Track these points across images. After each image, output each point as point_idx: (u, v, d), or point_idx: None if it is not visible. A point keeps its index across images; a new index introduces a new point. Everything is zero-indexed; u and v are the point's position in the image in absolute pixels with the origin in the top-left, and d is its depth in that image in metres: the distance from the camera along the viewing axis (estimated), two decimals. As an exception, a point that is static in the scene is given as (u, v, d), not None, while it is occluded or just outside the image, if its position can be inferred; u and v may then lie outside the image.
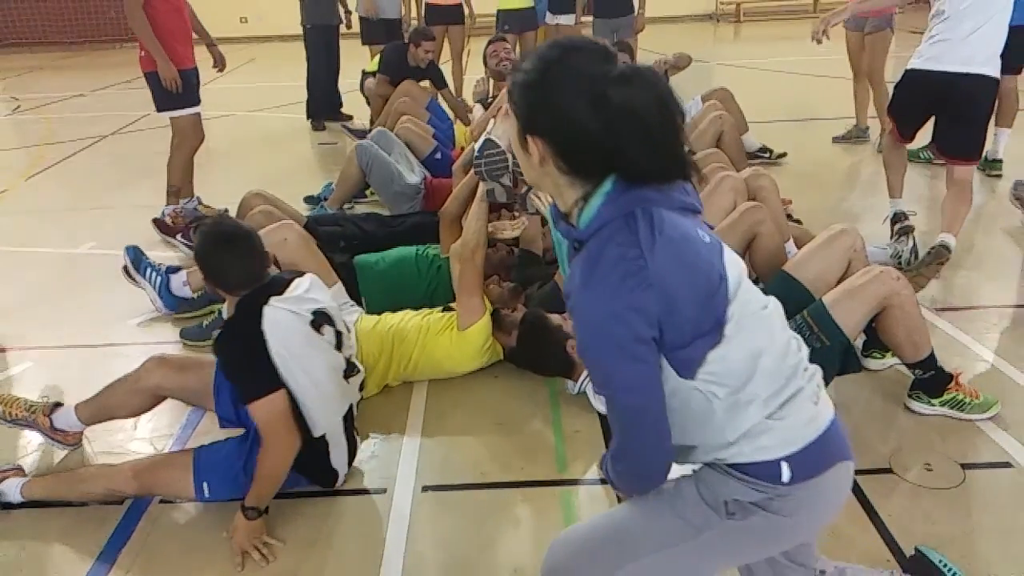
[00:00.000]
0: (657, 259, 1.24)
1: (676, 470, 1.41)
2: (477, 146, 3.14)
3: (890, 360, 2.91)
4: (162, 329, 3.60)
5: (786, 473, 1.34)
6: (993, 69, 3.52)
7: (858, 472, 2.34)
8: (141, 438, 2.79)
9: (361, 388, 2.64)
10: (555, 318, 2.89)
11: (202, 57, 4.86)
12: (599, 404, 2.67)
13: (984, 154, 4.52)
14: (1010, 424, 2.63)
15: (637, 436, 1.33)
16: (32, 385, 3.20)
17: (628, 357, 1.26)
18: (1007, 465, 2.46)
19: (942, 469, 2.44)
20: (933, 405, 2.68)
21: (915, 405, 2.71)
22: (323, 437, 2.34)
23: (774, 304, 1.43)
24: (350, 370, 2.47)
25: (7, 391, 2.96)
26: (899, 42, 6.00)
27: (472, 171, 3.24)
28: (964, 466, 2.44)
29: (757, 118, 5.80)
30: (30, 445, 2.77)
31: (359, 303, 3.32)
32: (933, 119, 3.77)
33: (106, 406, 2.59)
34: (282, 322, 2.23)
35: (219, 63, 5.19)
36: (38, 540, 2.34)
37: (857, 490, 2.33)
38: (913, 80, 3.71)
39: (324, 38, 7.33)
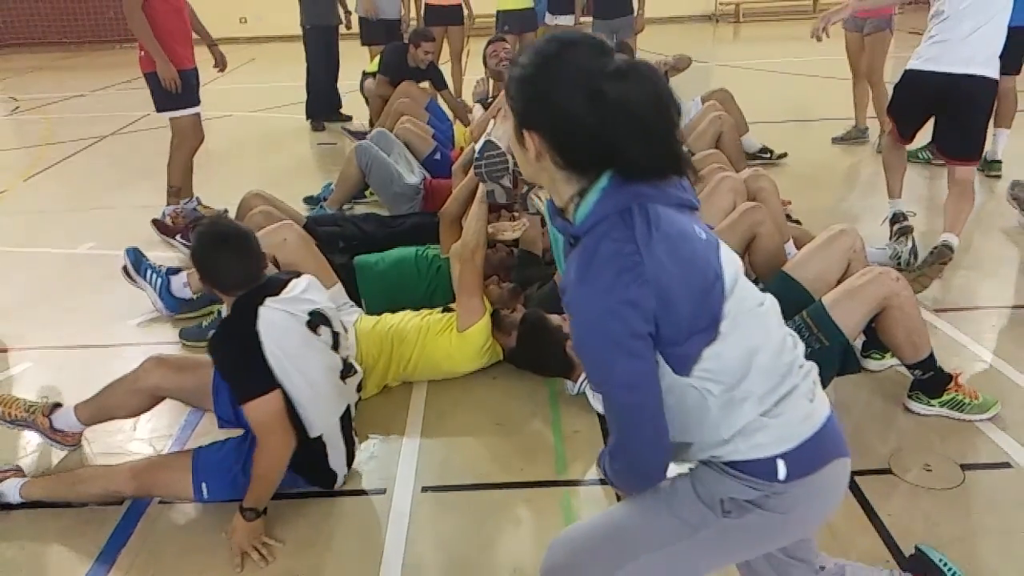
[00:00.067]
0: (653, 255, 1.24)
1: (673, 468, 1.42)
2: (477, 147, 3.14)
3: (889, 361, 2.91)
4: (161, 330, 3.60)
5: (782, 470, 1.34)
6: (992, 70, 3.53)
7: (858, 473, 2.37)
8: (140, 439, 2.79)
9: (359, 389, 2.64)
10: (555, 318, 2.89)
11: (203, 57, 4.86)
12: (598, 404, 2.67)
13: (983, 155, 4.52)
14: (1009, 425, 2.63)
15: (635, 433, 1.33)
16: (31, 385, 3.19)
17: (624, 353, 1.26)
18: (1006, 466, 2.46)
19: (942, 470, 2.44)
20: (932, 406, 2.68)
21: (914, 406, 2.71)
22: (320, 438, 2.34)
23: (770, 301, 1.42)
24: (347, 371, 2.46)
25: (6, 391, 2.96)
26: (898, 43, 6.00)
27: (472, 172, 3.24)
28: (964, 467, 2.44)
29: (756, 119, 5.81)
30: (29, 446, 2.77)
31: (359, 304, 3.32)
32: (933, 119, 3.77)
33: (105, 406, 2.60)
34: (277, 323, 2.23)
35: (220, 63, 5.19)
36: (37, 541, 2.34)
37: (857, 491, 2.33)
38: (912, 81, 3.71)
39: (324, 38, 7.34)
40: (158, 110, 4.66)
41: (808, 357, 1.45)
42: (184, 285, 3.62)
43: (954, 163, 3.72)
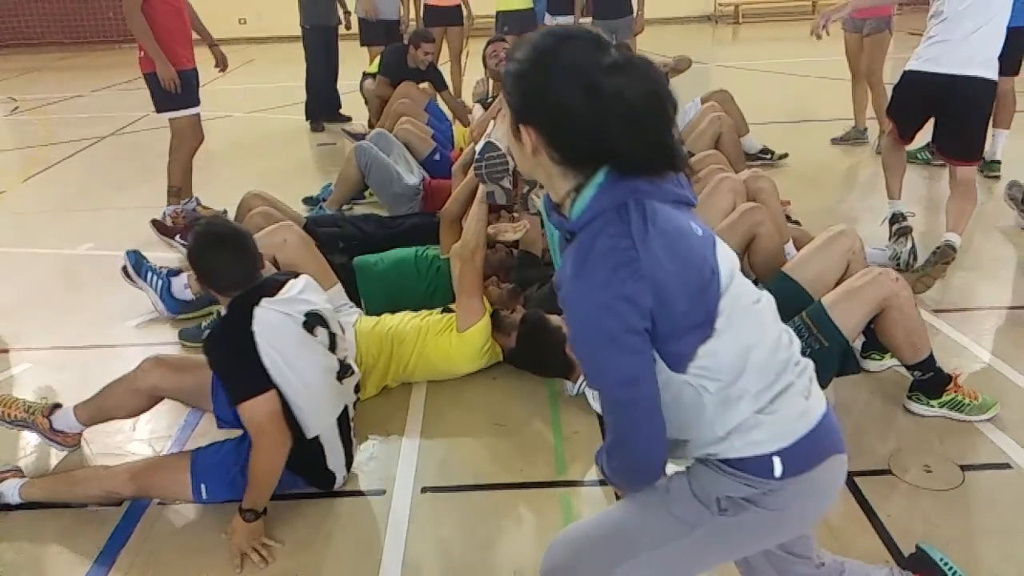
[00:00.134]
0: (649, 251, 1.24)
1: (670, 467, 1.42)
2: (478, 148, 3.15)
3: (889, 361, 2.91)
4: (161, 330, 3.60)
5: (778, 468, 1.34)
6: (991, 71, 3.53)
7: (857, 473, 2.38)
8: (140, 439, 2.79)
9: (357, 389, 2.64)
10: (554, 319, 2.89)
11: (204, 57, 4.86)
12: (598, 405, 2.66)
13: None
14: (1009, 425, 2.63)
15: (631, 429, 1.32)
16: (31, 386, 3.19)
17: (620, 348, 1.25)
18: (1006, 466, 2.46)
19: (941, 470, 2.44)
20: (932, 406, 2.68)
21: (914, 406, 2.71)
22: (317, 439, 2.33)
23: (766, 298, 1.42)
24: (344, 371, 2.46)
25: (6, 392, 2.95)
26: (897, 43, 6.00)
27: (472, 172, 3.24)
28: (963, 467, 2.44)
29: (755, 119, 5.81)
30: (29, 446, 2.77)
31: (358, 304, 3.31)
32: (933, 120, 3.77)
33: (104, 407, 2.60)
34: (273, 323, 2.23)
35: (221, 63, 5.19)
36: (36, 542, 2.34)
37: (856, 491, 2.33)
38: (912, 82, 3.71)
39: (323, 39, 7.34)
40: (158, 111, 4.66)
41: (808, 358, 1.45)
42: (185, 287, 3.62)
43: (955, 163, 3.72)
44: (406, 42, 6.47)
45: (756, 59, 10.41)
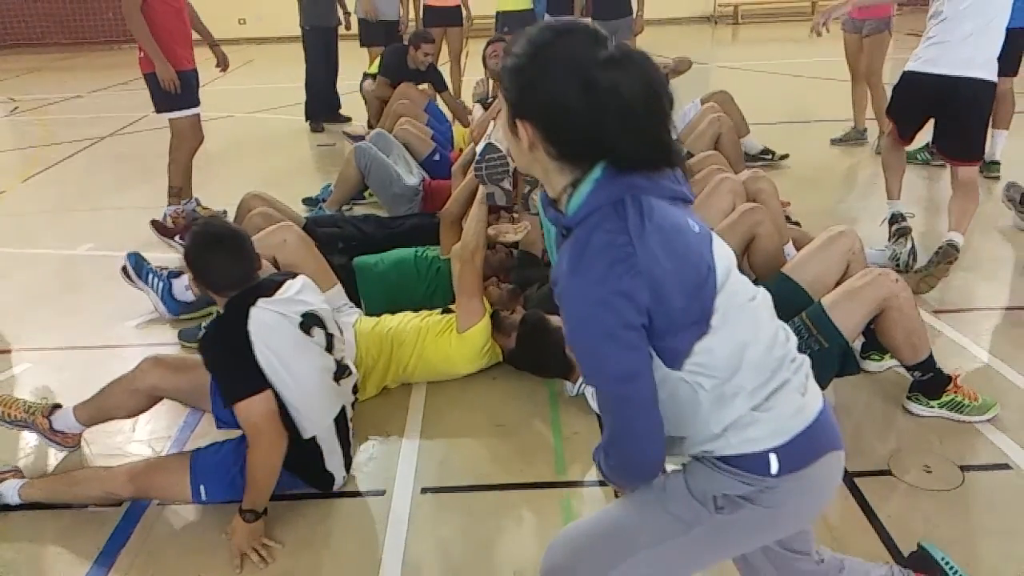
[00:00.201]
0: (646, 247, 1.23)
1: (668, 466, 1.42)
2: (478, 149, 3.15)
3: (889, 362, 2.91)
4: (160, 330, 3.60)
5: (774, 465, 1.33)
6: (991, 72, 3.53)
7: (857, 474, 2.38)
8: (139, 440, 2.79)
9: (355, 390, 2.63)
10: (554, 319, 2.89)
11: (205, 57, 4.86)
12: (596, 404, 2.67)
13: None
14: (1009, 426, 2.63)
15: (628, 426, 1.32)
16: (31, 386, 3.19)
17: (617, 344, 1.24)
18: (1006, 467, 2.46)
19: (941, 471, 2.44)
20: (932, 407, 2.68)
21: (914, 407, 2.71)
22: (314, 440, 2.33)
23: (762, 295, 1.42)
24: (341, 372, 2.45)
25: (6, 392, 2.95)
26: (897, 44, 6.01)
27: (472, 172, 3.24)
28: (963, 468, 2.45)
29: (754, 120, 5.80)
30: (28, 447, 2.77)
31: (358, 305, 3.31)
32: (933, 120, 3.77)
33: (104, 407, 2.60)
34: (268, 323, 2.22)
35: (222, 63, 5.18)
36: (36, 542, 2.34)
37: (856, 492, 2.33)
38: (911, 82, 3.71)
39: (323, 39, 7.34)
40: (157, 111, 4.66)
41: (805, 355, 1.45)
42: (186, 288, 3.62)
43: (956, 164, 3.72)
44: (406, 43, 6.47)
45: (756, 60, 10.41)
